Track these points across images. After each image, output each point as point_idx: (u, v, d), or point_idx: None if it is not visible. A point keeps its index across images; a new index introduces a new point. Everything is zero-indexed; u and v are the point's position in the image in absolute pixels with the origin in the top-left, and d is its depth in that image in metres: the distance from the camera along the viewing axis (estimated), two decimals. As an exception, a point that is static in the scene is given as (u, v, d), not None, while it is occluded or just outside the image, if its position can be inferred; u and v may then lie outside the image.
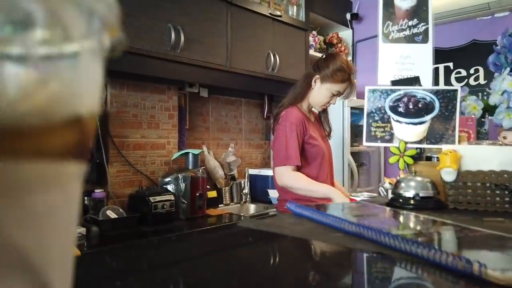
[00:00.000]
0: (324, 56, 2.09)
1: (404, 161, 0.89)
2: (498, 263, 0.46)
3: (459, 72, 3.40)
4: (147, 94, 2.54)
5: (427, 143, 0.90)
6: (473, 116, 1.04)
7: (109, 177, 2.32)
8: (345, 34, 3.83)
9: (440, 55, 3.35)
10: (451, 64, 3.43)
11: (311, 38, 3.40)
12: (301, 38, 3.25)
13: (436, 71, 3.42)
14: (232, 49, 2.73)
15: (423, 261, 0.45)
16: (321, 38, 3.62)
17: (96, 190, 2.16)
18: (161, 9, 2.35)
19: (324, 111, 2.05)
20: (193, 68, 2.53)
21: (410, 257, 0.46)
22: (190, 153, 2.69)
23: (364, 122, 0.97)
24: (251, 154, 3.36)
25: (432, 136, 0.90)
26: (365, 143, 0.98)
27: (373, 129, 0.95)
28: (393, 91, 0.92)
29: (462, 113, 1.02)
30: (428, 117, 0.90)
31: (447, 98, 0.90)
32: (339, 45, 3.68)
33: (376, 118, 0.94)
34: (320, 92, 1.93)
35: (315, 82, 1.93)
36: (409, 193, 0.81)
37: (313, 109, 2.04)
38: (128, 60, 2.23)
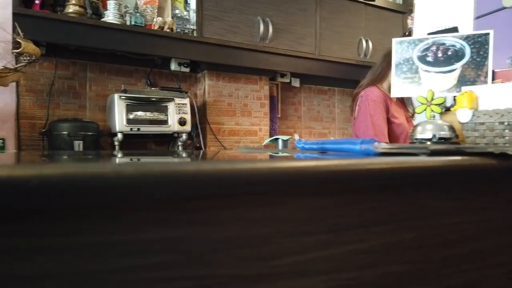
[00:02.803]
0: (407, 33, 2.03)
1: (432, 110, 0.87)
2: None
3: None
4: (241, 84, 2.75)
5: (457, 91, 0.86)
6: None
7: (206, 159, 2.60)
8: (453, 15, 3.53)
9: None
10: None
11: (410, 21, 3.23)
12: (397, 21, 3.12)
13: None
14: (321, 37, 2.79)
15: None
16: (423, 21, 3.40)
17: (193, 169, 2.44)
18: (252, 3, 2.55)
19: (407, 91, 1.98)
20: (281, 57, 2.67)
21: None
22: (280, 139, 2.83)
23: (392, 74, 0.96)
24: (345, 143, 3.35)
25: (463, 84, 0.85)
26: (393, 95, 0.98)
27: (401, 80, 0.94)
28: (420, 40, 0.90)
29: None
30: (458, 65, 0.86)
31: (479, 43, 0.84)
32: (445, 27, 3.40)
33: (404, 69, 0.93)
34: None
35: (395, 59, 1.88)
36: (426, 135, 0.80)
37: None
38: (222, 53, 2.48)
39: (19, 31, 1.74)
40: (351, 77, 3.15)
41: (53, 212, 0.24)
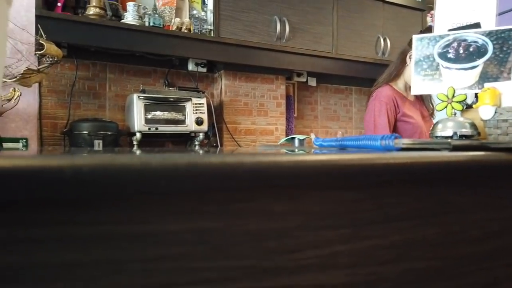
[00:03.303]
0: (422, 30, 2.00)
1: (453, 108, 0.85)
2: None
3: None
4: (257, 84, 2.76)
5: (479, 88, 0.84)
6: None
7: (223, 158, 2.61)
8: (474, 11, 3.46)
9: None
10: None
11: (429, 18, 3.19)
12: (416, 19, 3.08)
13: None
14: (338, 35, 2.77)
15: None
16: (442, 18, 3.34)
17: (210, 168, 2.47)
18: (269, 3, 2.55)
19: (425, 88, 1.96)
20: (298, 56, 2.66)
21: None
22: (296, 138, 2.81)
23: (411, 71, 0.95)
24: (362, 142, 3.32)
25: (485, 80, 0.84)
26: (413, 93, 0.96)
27: (421, 78, 0.93)
28: (441, 37, 0.89)
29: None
30: (480, 61, 0.84)
31: (502, 39, 0.82)
32: (466, 24, 3.33)
33: (425, 66, 0.92)
34: None
35: (409, 57, 1.86)
36: (447, 133, 0.78)
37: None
38: (239, 53, 2.49)
39: (42, 33, 1.79)
40: (369, 76, 3.11)
41: (86, 202, 0.25)
